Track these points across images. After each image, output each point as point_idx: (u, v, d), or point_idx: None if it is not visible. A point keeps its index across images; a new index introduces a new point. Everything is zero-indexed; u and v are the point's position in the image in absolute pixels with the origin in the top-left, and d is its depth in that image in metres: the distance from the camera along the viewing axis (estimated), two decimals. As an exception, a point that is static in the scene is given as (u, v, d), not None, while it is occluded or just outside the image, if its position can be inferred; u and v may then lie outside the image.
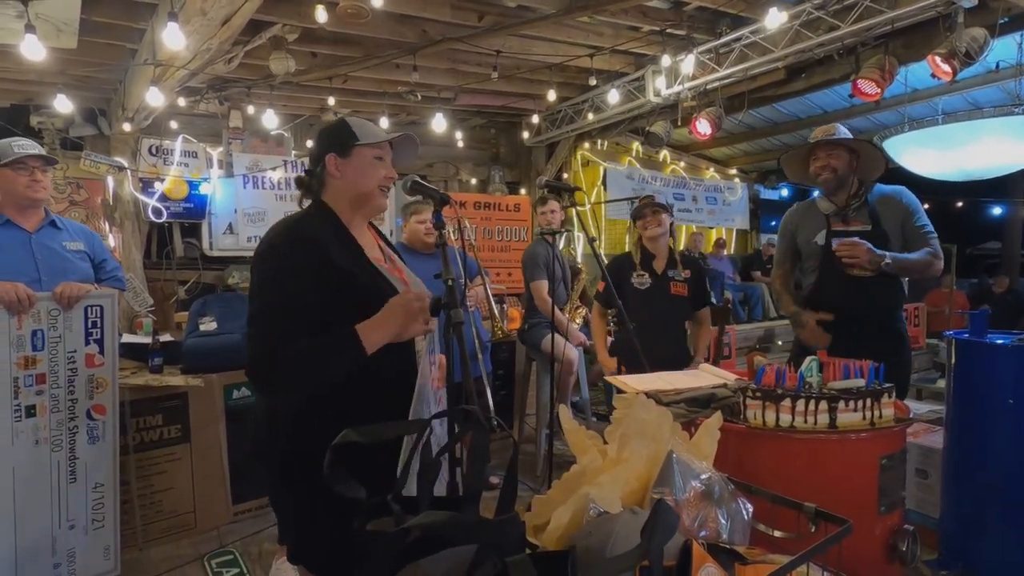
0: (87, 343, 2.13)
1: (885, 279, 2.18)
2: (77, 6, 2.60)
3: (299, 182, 1.41)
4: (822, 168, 2.27)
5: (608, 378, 1.90)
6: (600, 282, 2.91)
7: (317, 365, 1.17)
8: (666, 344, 2.70)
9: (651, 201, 2.83)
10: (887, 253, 2.12)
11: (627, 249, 6.45)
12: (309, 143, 5.11)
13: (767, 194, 8.13)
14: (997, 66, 4.13)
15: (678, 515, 0.69)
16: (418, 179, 1.41)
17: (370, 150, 1.35)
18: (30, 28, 2.39)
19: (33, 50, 2.45)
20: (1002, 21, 3.10)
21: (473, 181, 5.90)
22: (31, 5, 2.45)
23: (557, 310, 3.40)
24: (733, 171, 7.70)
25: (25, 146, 2.20)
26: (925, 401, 4.28)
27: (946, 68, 3.08)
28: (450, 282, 1.24)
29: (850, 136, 2.30)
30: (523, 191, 5.97)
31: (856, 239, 2.10)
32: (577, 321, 3.74)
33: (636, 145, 6.56)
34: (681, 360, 2.70)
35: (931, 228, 2.26)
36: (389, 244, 1.52)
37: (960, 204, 9.82)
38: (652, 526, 0.59)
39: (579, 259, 5.87)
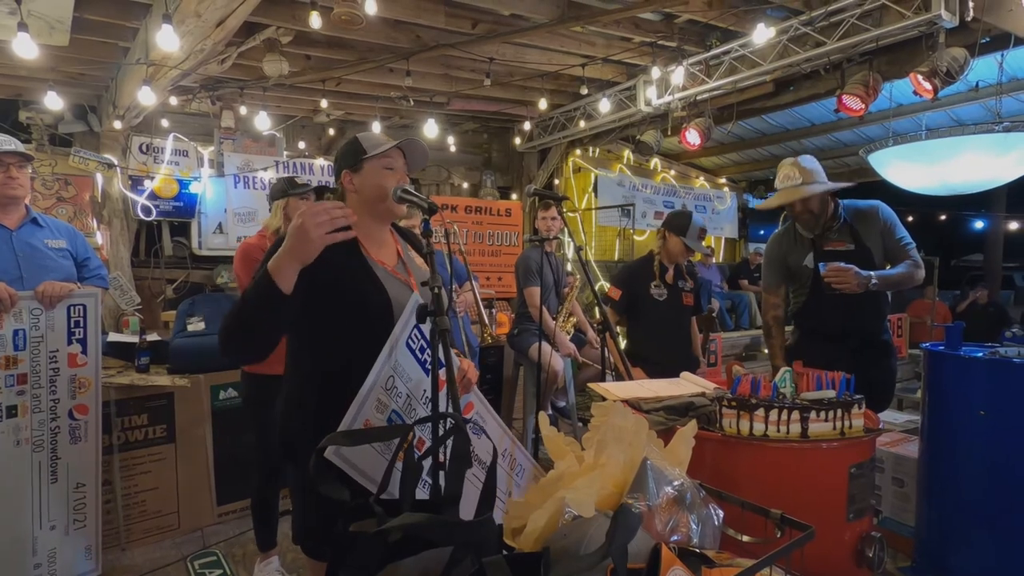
0: (69, 342, 2.12)
1: (871, 296, 2.24)
2: (70, 4, 2.60)
3: (334, 193, 1.49)
4: (799, 213, 2.33)
5: (591, 385, 1.93)
6: (614, 289, 2.91)
7: (241, 311, 1.21)
8: (680, 351, 2.87)
9: (706, 229, 2.85)
10: (872, 273, 2.19)
11: (617, 256, 6.44)
12: (301, 144, 5.13)
13: (756, 203, 8.23)
14: (977, 85, 4.23)
15: (640, 519, 0.72)
16: (406, 188, 1.43)
17: (379, 160, 1.41)
18: (22, 26, 2.38)
19: (25, 48, 2.44)
20: (983, 41, 3.19)
21: (465, 185, 5.93)
22: (24, 2, 2.45)
23: (549, 319, 3.45)
24: (722, 180, 7.79)
25: (1, 142, 2.17)
26: (906, 411, 4.35)
27: (927, 86, 3.16)
28: (437, 290, 1.26)
29: (817, 173, 2.29)
30: (514, 196, 6.01)
31: (842, 264, 2.15)
32: (568, 330, 3.77)
33: (627, 153, 6.62)
34: (694, 366, 2.84)
35: (909, 239, 2.32)
36: (418, 249, 1.53)
37: (944, 217, 9.99)
38: (613, 528, 0.62)
39: (568, 265, 5.91)
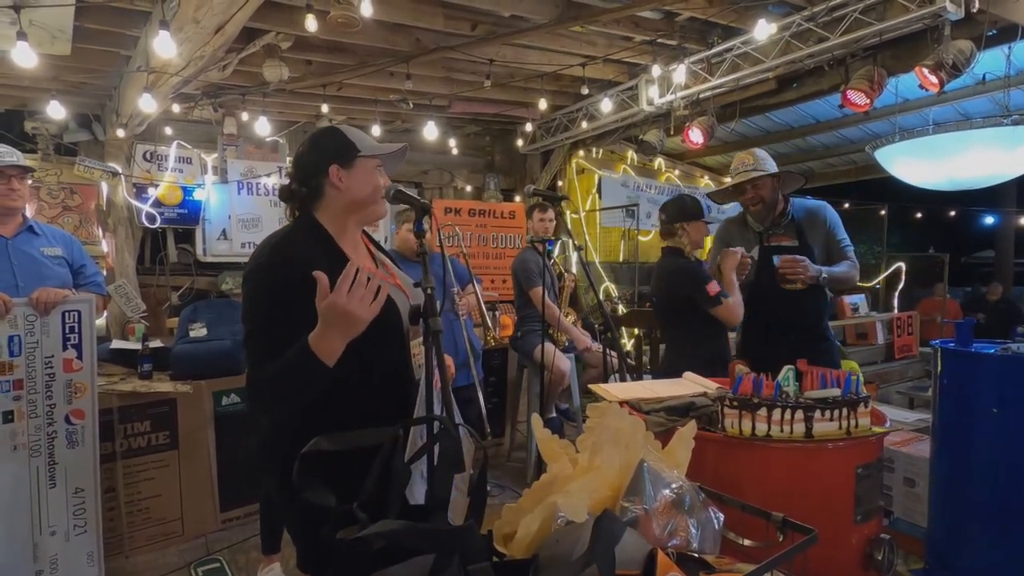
0: (65, 348, 2.13)
1: (813, 291, 2.37)
2: (71, 14, 2.62)
3: (287, 193, 1.39)
4: (751, 200, 2.45)
5: (592, 386, 1.90)
6: (713, 283, 2.59)
7: (287, 387, 1.14)
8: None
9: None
10: (823, 268, 2.33)
11: (622, 257, 6.37)
12: (304, 150, 5.13)
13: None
14: (984, 78, 4.16)
15: (632, 522, 0.69)
16: (401, 188, 1.42)
17: (371, 160, 1.35)
18: (22, 36, 2.40)
19: (25, 57, 2.46)
20: (989, 33, 3.14)
21: (468, 188, 5.92)
22: (24, 12, 2.46)
23: (558, 312, 3.43)
24: (727, 179, 7.73)
25: (3, 154, 2.21)
26: (917, 409, 4.28)
27: (933, 79, 3.11)
28: (429, 291, 1.25)
29: (768, 160, 2.45)
30: (517, 198, 5.99)
31: (797, 256, 2.29)
32: (571, 328, 3.74)
33: (630, 153, 6.59)
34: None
35: (848, 241, 2.49)
36: (382, 250, 1.53)
37: (953, 213, 9.87)
38: (595, 534, 0.59)
39: (573, 266, 5.88)
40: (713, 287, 2.44)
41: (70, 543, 2.21)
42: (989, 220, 10.98)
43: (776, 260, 2.32)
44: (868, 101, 3.50)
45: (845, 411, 1.38)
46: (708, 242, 2.86)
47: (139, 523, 2.78)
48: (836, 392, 1.42)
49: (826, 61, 3.57)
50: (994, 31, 3.20)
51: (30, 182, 2.32)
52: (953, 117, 4.97)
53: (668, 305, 2.62)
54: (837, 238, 2.46)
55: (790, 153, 6.79)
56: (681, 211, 2.55)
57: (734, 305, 2.42)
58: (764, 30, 3.24)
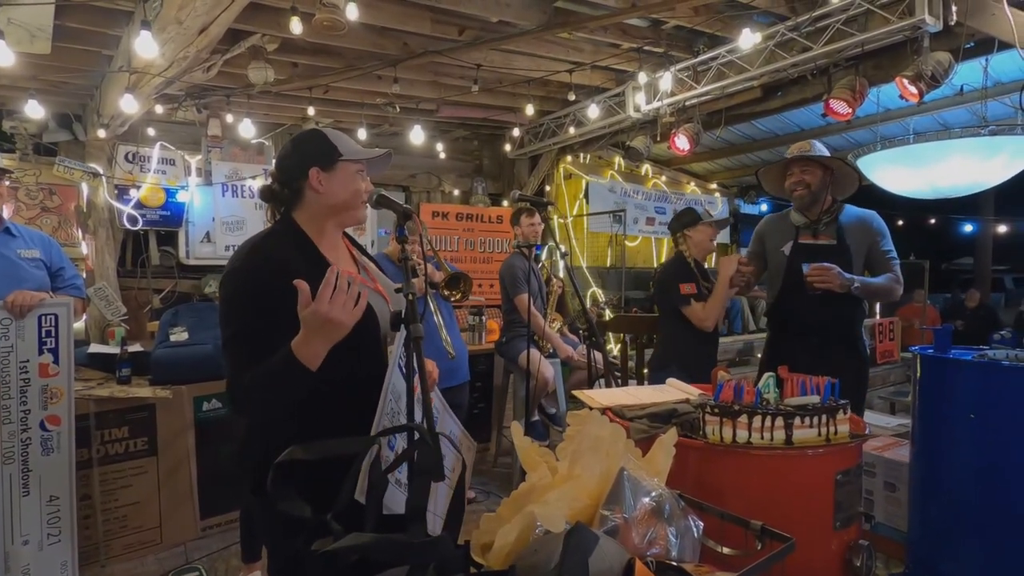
0: (40, 352, 2.08)
1: (847, 295, 2.26)
2: (51, 12, 2.58)
3: (268, 194, 1.39)
4: (796, 183, 2.37)
5: (576, 392, 1.90)
6: (687, 284, 2.65)
7: (270, 391, 1.13)
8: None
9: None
10: (856, 277, 2.22)
11: (609, 262, 6.38)
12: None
13: (747, 209, 8.25)
14: (962, 89, 4.25)
15: (597, 535, 0.69)
16: (384, 193, 1.41)
17: (353, 164, 1.35)
18: (0, 34, 2.36)
19: (3, 56, 2.42)
20: (967, 46, 3.20)
21: (456, 192, 5.91)
22: (3, 10, 2.43)
23: (543, 322, 3.43)
24: (713, 186, 7.80)
25: None
26: (897, 414, 4.34)
27: (913, 90, 3.17)
28: (410, 296, 1.24)
29: (826, 153, 2.39)
30: (506, 203, 6.00)
31: (827, 264, 2.18)
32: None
33: (618, 159, 6.63)
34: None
35: (895, 254, 2.37)
36: (365, 253, 1.53)
37: (933, 221, 10.05)
38: (566, 546, 0.59)
39: (560, 271, 5.89)
40: (686, 287, 2.58)
41: (43, 553, 2.16)
42: (968, 228, 11.20)
43: (806, 268, 2.22)
44: (850, 110, 3.56)
45: (824, 418, 1.39)
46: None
47: (116, 531, 2.72)
48: (816, 399, 1.43)
49: (809, 70, 3.62)
50: (972, 43, 3.26)
51: (7, 183, 2.26)
52: (933, 127, 5.07)
53: (659, 301, 2.83)
54: (883, 249, 2.36)
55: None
56: (678, 220, 2.83)
57: (700, 310, 2.56)
58: (749, 39, 3.29)
